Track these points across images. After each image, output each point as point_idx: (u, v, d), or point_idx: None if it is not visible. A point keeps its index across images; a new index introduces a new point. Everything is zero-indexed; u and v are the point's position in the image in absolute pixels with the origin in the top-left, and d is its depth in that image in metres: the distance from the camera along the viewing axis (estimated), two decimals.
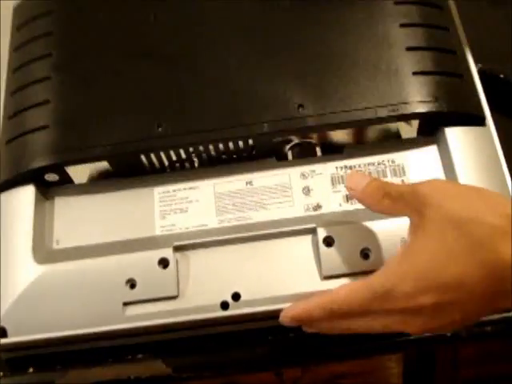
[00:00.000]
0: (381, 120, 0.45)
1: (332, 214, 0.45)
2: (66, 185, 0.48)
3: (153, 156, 0.47)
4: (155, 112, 0.46)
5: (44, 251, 0.45)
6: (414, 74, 0.46)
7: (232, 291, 0.43)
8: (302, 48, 0.48)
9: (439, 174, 0.45)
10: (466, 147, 0.45)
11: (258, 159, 0.47)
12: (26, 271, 0.43)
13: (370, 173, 0.46)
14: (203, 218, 0.45)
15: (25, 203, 0.46)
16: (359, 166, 0.46)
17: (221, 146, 0.46)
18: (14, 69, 0.51)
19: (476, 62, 0.50)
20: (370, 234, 0.42)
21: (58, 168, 0.46)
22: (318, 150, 0.48)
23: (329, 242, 0.43)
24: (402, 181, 0.45)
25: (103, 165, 0.48)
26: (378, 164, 0.46)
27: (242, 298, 0.42)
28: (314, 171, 0.46)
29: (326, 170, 0.46)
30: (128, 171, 0.47)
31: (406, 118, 0.46)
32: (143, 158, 0.47)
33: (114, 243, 0.45)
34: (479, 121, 0.47)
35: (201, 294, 0.43)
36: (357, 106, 0.45)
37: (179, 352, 0.45)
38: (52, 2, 0.52)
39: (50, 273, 0.43)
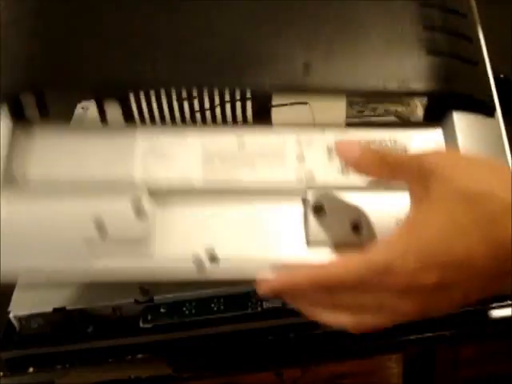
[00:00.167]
0: (389, 94, 0.43)
1: (325, 182, 0.42)
2: (46, 121, 0.44)
3: (142, 97, 0.44)
4: (151, 50, 0.43)
5: (12, 184, 0.42)
6: (428, 53, 0.44)
7: (209, 247, 0.40)
8: (315, 10, 0.45)
9: None
10: (473, 134, 0.44)
11: (254, 122, 0.45)
12: None
13: None
14: (187, 170, 0.42)
15: None
16: (359, 141, 0.43)
17: (216, 97, 0.43)
18: None
19: None
20: (363, 208, 0.40)
21: (38, 92, 0.43)
22: (318, 118, 0.46)
23: (318, 208, 0.41)
24: None
25: (88, 113, 0.46)
26: (380, 142, 0.44)
27: (219, 256, 0.39)
28: (310, 139, 0.43)
29: (324, 140, 0.44)
30: (113, 115, 0.44)
31: (416, 94, 0.44)
32: (132, 97, 0.44)
33: (86, 182, 0.42)
34: (489, 110, 0.45)
35: (173, 245, 0.40)
36: (366, 75, 0.43)
37: (179, 352, 0.45)
38: None
39: (17, 207, 0.40)
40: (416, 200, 0.35)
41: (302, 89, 0.43)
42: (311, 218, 0.40)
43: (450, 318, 0.45)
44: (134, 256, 0.40)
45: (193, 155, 0.42)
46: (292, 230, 0.41)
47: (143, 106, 0.44)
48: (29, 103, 0.44)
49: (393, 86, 0.43)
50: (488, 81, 0.47)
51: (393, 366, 0.65)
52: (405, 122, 0.47)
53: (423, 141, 0.44)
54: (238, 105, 0.44)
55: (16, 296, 0.47)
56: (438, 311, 0.35)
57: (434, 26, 0.45)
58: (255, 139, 0.43)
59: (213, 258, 0.39)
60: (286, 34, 0.44)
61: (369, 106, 0.52)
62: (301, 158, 0.43)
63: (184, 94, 0.44)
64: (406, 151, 0.43)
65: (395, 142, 0.44)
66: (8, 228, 0.40)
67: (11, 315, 0.46)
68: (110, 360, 0.45)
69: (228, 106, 0.44)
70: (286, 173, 0.43)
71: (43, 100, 0.44)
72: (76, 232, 0.39)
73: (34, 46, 0.44)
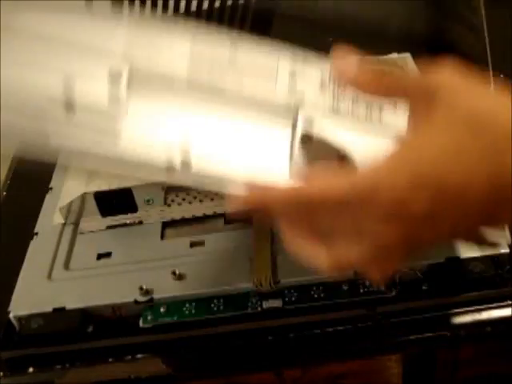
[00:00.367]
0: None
1: (315, 107, 0.39)
2: None
3: None
4: None
5: None
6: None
7: (182, 149, 0.36)
8: None
9: None
10: None
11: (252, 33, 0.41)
12: None
13: None
14: (171, 64, 0.38)
15: None
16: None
17: None
18: None
19: None
20: (353, 143, 0.38)
21: None
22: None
23: (306, 138, 0.38)
24: None
25: None
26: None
27: (192, 160, 0.36)
28: (306, 62, 0.40)
29: (322, 68, 0.40)
30: None
31: None
32: None
33: (65, 42, 0.37)
34: None
35: (144, 134, 0.36)
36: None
37: (179, 352, 0.45)
38: None
39: None
40: (415, 120, 0.34)
41: None
42: (297, 145, 0.38)
43: (450, 318, 0.45)
44: (99, 131, 0.36)
45: (180, 52, 0.38)
46: (275, 153, 0.38)
47: None
48: None
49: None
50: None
51: (393, 366, 0.65)
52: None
53: None
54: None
55: (16, 296, 0.47)
56: (421, 243, 0.33)
57: None
58: (249, 48, 0.39)
59: (185, 163, 0.36)
60: None
61: None
62: (293, 84, 0.39)
63: None
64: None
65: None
66: None
67: (11, 315, 0.46)
68: (110, 360, 0.45)
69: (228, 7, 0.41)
70: (276, 88, 0.39)
71: None
72: (42, 90, 0.36)
73: None
